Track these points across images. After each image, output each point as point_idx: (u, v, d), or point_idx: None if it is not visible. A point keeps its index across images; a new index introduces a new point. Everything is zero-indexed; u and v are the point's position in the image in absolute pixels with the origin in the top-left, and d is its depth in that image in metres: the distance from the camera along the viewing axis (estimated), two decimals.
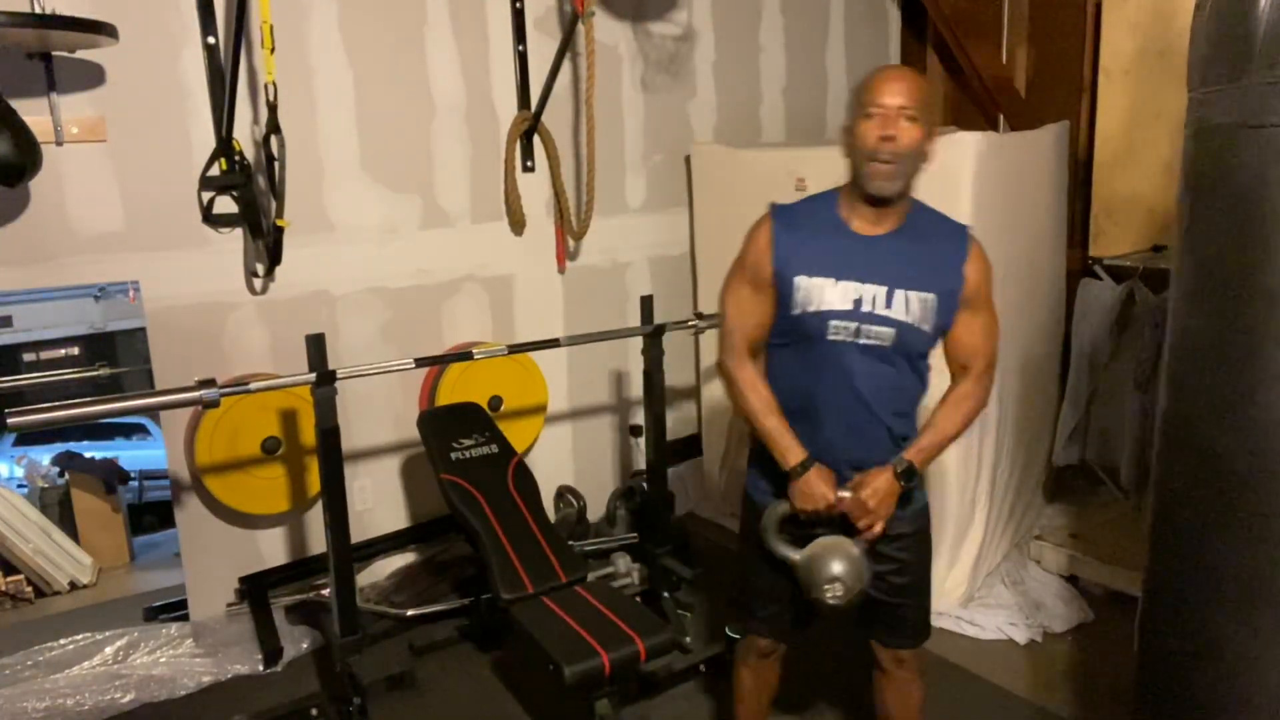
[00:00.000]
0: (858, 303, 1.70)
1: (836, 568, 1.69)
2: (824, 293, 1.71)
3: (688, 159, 3.74)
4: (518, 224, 3.34)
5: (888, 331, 1.70)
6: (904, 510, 1.79)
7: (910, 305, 1.70)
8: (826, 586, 1.69)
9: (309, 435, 2.80)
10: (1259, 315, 1.50)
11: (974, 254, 1.74)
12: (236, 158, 2.70)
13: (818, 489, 1.73)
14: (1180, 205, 1.66)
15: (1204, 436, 1.61)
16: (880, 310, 1.70)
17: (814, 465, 1.75)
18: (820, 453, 1.76)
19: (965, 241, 1.74)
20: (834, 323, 1.71)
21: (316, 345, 2.26)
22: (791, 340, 1.77)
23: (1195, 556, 1.64)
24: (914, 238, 1.73)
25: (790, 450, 1.75)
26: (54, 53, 2.46)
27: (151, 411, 2.81)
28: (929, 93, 1.72)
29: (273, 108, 2.53)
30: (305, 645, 2.81)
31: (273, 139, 2.56)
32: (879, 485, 1.72)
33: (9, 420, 1.92)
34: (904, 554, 1.84)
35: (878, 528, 1.74)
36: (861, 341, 1.71)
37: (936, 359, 1.81)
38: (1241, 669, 1.59)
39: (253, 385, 2.25)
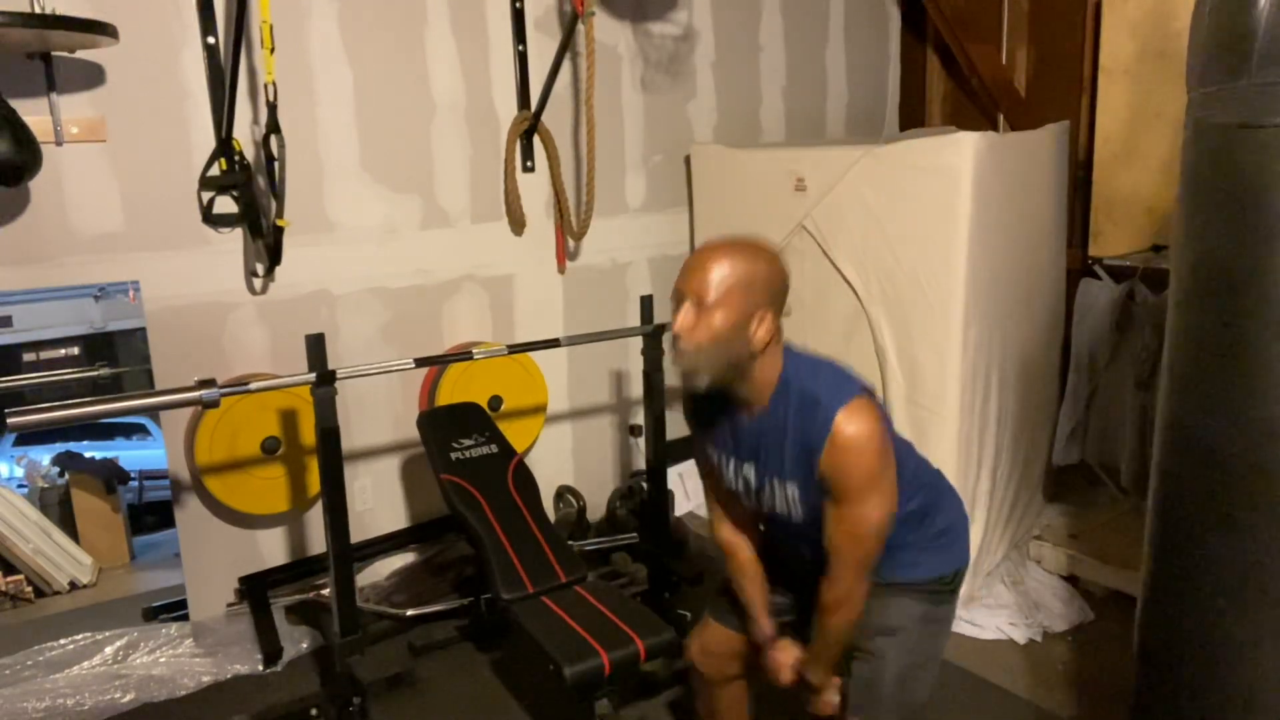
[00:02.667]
0: (745, 482, 1.70)
1: None
2: (723, 468, 1.74)
3: (688, 159, 3.74)
4: (518, 224, 3.34)
5: (780, 509, 1.66)
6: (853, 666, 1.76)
7: (777, 491, 1.64)
8: None
9: (309, 435, 2.80)
10: (1258, 314, 1.50)
11: (834, 446, 1.50)
12: (236, 158, 2.70)
13: (774, 665, 1.80)
14: (1179, 205, 1.66)
15: (1203, 435, 1.61)
16: (759, 493, 1.69)
17: (776, 643, 1.80)
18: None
19: (826, 431, 1.51)
20: (741, 495, 1.73)
21: (316, 345, 2.26)
22: None
23: (1195, 555, 1.64)
24: (775, 424, 1.58)
25: (757, 625, 1.82)
26: (54, 53, 2.46)
27: (151, 411, 2.81)
28: (747, 271, 1.51)
29: (273, 108, 2.54)
30: (305, 645, 2.81)
31: (273, 139, 2.56)
32: (782, 670, 1.79)
33: (9, 420, 1.92)
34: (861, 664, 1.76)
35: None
36: (774, 511, 1.69)
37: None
38: (1242, 668, 1.59)
39: (253, 385, 2.25)
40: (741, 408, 1.64)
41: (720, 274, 1.50)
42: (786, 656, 1.79)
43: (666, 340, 1.61)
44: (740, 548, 1.83)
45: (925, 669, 1.76)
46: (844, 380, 1.58)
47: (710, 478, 1.83)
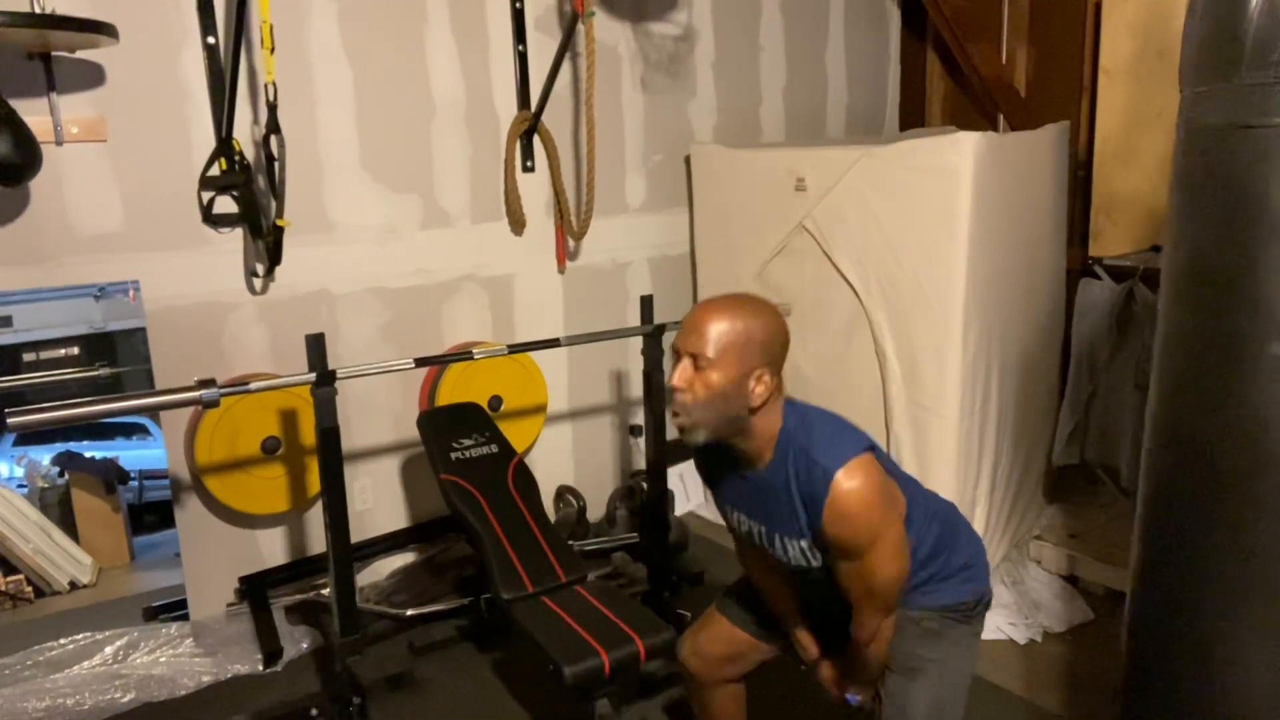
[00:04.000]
0: (758, 535, 1.71)
1: None
2: (736, 522, 1.76)
3: (688, 159, 3.74)
4: (518, 224, 3.34)
5: (796, 562, 1.66)
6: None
7: (789, 546, 1.65)
8: None
9: (309, 435, 2.80)
10: (1247, 313, 1.51)
11: (833, 508, 1.50)
12: (236, 158, 2.70)
13: (800, 644, 1.85)
14: (1171, 204, 1.66)
15: (1192, 433, 1.62)
16: (772, 547, 1.69)
17: (798, 626, 1.85)
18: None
19: (825, 492, 1.50)
20: (758, 546, 1.74)
21: (316, 345, 2.26)
22: None
23: (1183, 552, 1.65)
24: (777, 481, 1.58)
25: (802, 647, 1.86)
26: (54, 53, 2.46)
27: (151, 411, 2.81)
28: (744, 329, 1.52)
29: (273, 108, 2.54)
30: (305, 645, 2.81)
31: (273, 139, 2.56)
32: (829, 675, 1.83)
33: (9, 420, 1.92)
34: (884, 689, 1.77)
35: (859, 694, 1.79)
36: (791, 563, 1.68)
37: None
38: (1230, 664, 1.60)
39: (253, 385, 2.25)
40: (744, 464, 1.65)
41: (718, 331, 1.52)
42: (830, 673, 1.82)
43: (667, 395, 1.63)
44: (769, 576, 1.84)
45: (956, 694, 1.76)
46: (843, 437, 1.57)
47: (728, 525, 1.84)
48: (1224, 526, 1.57)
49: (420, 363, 2.54)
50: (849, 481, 1.49)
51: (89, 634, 2.68)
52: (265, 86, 2.53)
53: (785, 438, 1.58)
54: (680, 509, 3.67)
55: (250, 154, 2.76)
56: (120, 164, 2.62)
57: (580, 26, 3.01)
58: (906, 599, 1.67)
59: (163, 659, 2.69)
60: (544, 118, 3.28)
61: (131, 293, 2.68)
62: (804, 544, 1.62)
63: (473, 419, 2.86)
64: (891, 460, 1.77)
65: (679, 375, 1.54)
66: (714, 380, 1.51)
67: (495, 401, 3.14)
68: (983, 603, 1.78)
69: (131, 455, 2.94)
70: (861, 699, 1.79)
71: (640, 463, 3.46)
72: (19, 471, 2.79)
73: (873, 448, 1.58)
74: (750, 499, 1.68)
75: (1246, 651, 1.58)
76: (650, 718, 2.48)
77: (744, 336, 1.52)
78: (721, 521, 3.64)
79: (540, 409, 3.32)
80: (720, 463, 1.71)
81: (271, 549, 3.04)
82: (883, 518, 1.52)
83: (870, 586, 1.57)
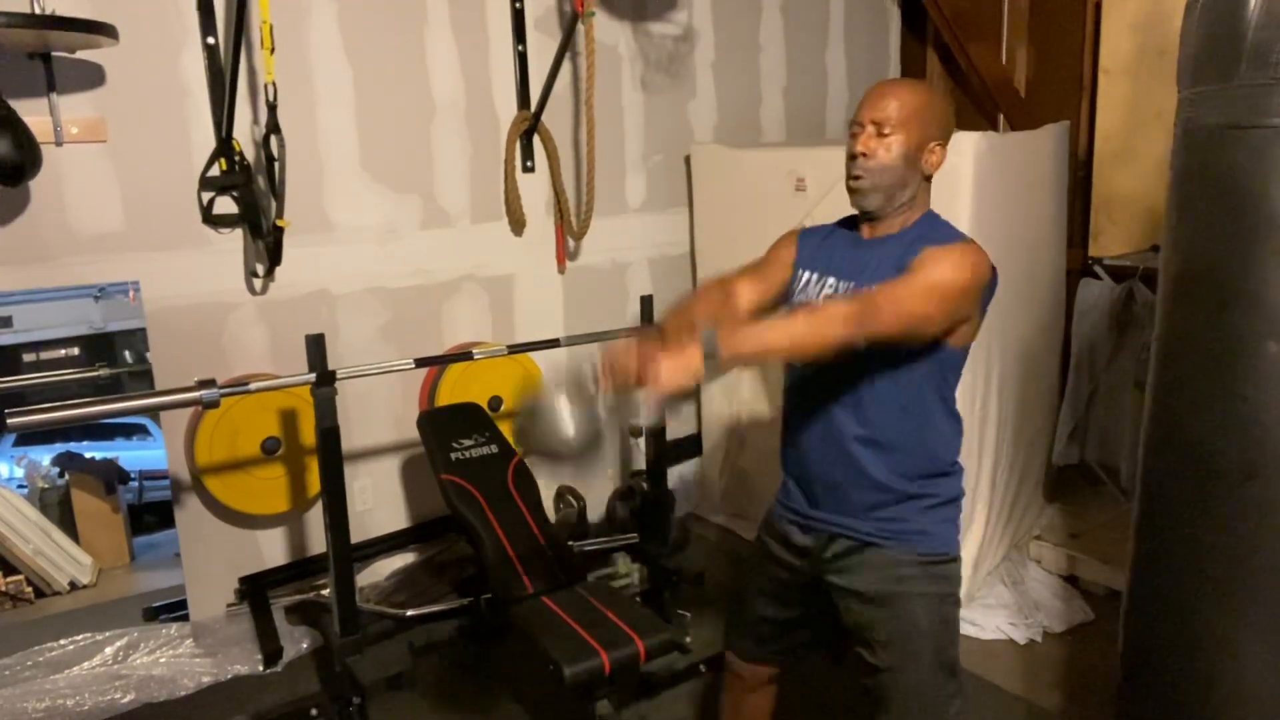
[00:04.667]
0: (812, 292, 1.70)
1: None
2: (808, 286, 1.73)
3: (687, 159, 3.74)
4: (518, 224, 3.34)
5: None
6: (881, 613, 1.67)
7: (852, 290, 1.65)
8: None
9: (309, 435, 2.80)
10: (1245, 313, 1.51)
11: (946, 247, 1.55)
12: (236, 158, 2.70)
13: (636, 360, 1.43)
14: (1169, 204, 1.67)
15: (1189, 433, 1.62)
16: (834, 294, 1.67)
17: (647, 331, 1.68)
18: (797, 475, 1.77)
19: (948, 240, 1.59)
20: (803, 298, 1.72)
21: (316, 345, 2.26)
22: None
23: (1180, 552, 1.66)
24: (906, 242, 1.63)
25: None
26: (54, 53, 2.46)
27: (151, 411, 2.81)
28: (922, 102, 1.63)
29: (273, 108, 2.54)
30: (305, 645, 2.82)
31: (273, 139, 2.56)
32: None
33: (9, 420, 1.92)
34: (878, 660, 1.67)
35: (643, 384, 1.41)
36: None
37: (962, 393, 1.70)
38: (1228, 666, 1.60)
39: (253, 385, 2.25)
40: (875, 232, 1.68)
41: (899, 103, 1.61)
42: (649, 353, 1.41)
43: (847, 160, 1.65)
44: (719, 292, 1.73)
45: (952, 630, 1.69)
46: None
47: (762, 271, 1.77)
48: (1220, 526, 1.58)
49: (420, 363, 2.54)
50: (969, 247, 1.58)
51: (89, 634, 2.68)
52: (265, 86, 2.53)
53: (930, 217, 1.67)
54: (680, 509, 3.67)
55: (250, 154, 2.76)
56: (120, 164, 2.62)
57: (580, 26, 3.01)
58: (899, 525, 1.63)
59: (163, 659, 2.69)
60: (544, 118, 3.28)
61: (131, 293, 2.68)
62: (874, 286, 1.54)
63: (473, 419, 2.86)
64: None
65: (863, 141, 1.61)
66: (896, 145, 1.60)
67: (495, 402, 3.14)
68: (958, 560, 1.71)
69: (131, 455, 2.95)
70: (658, 397, 1.40)
71: (640, 463, 3.46)
72: (19, 472, 2.80)
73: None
74: (854, 262, 1.67)
75: (1242, 650, 1.58)
76: (650, 718, 2.48)
77: (924, 109, 1.62)
78: (722, 522, 3.65)
79: None
80: (831, 241, 1.74)
81: (271, 549, 3.04)
82: (970, 276, 1.54)
83: (912, 287, 1.49)
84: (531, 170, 3.37)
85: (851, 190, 1.66)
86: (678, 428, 3.80)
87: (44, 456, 2.83)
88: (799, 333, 1.48)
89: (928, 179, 1.66)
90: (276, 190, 2.62)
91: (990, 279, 1.60)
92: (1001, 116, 3.99)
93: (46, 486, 2.81)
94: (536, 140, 3.33)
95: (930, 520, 1.67)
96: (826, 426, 1.68)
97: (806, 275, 1.75)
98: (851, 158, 1.64)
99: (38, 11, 2.36)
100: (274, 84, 2.51)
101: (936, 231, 1.64)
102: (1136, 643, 1.83)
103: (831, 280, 1.70)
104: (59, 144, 2.52)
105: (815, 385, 1.69)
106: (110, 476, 2.87)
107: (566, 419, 1.50)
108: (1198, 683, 1.65)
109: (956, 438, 1.71)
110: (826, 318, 1.48)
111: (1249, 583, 1.55)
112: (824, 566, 1.72)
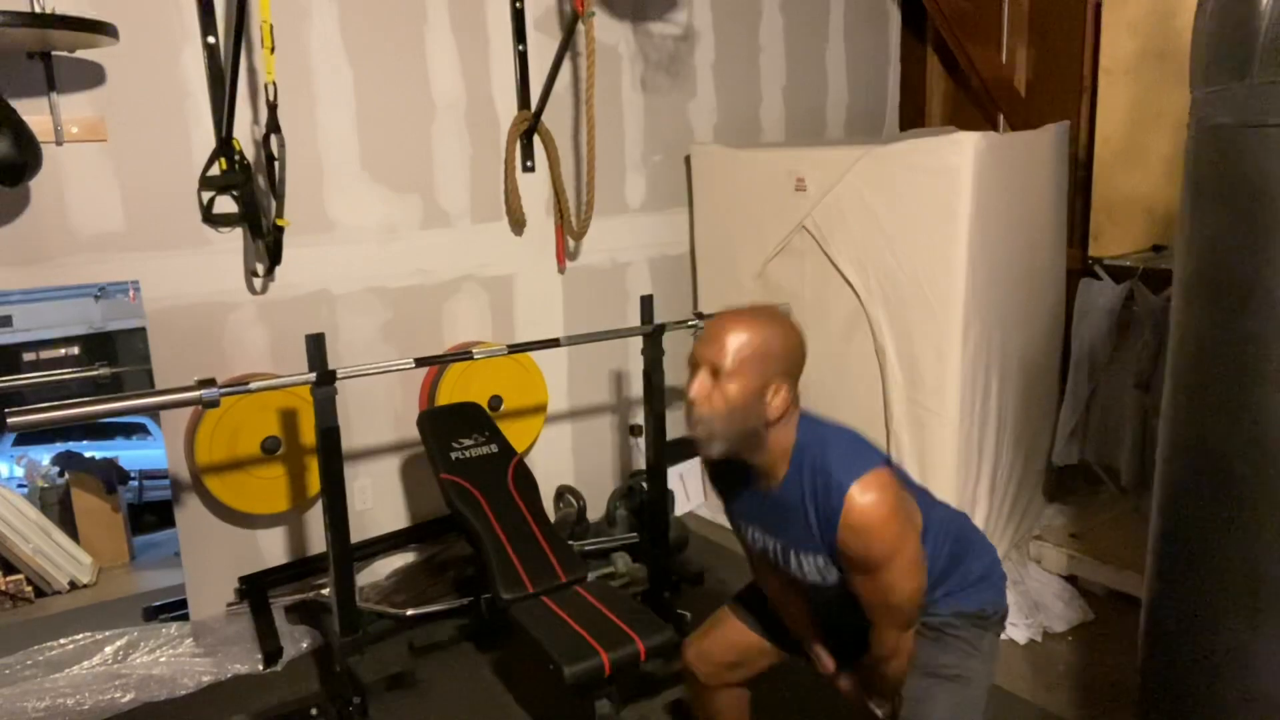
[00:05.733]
0: (772, 551, 1.70)
1: None
2: (749, 537, 1.75)
3: (688, 159, 3.74)
4: (518, 224, 3.34)
5: (812, 578, 1.64)
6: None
7: (804, 562, 1.63)
8: None
9: (309, 435, 2.80)
10: (1262, 316, 1.48)
11: (847, 523, 1.48)
12: (236, 158, 2.70)
13: (818, 659, 1.85)
14: (1182, 205, 1.65)
15: (1207, 438, 1.60)
16: (787, 563, 1.67)
17: (814, 641, 1.84)
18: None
19: (840, 507, 1.49)
20: (772, 562, 1.73)
21: (316, 345, 2.26)
22: None
23: (1201, 560, 1.63)
24: (792, 497, 1.57)
25: (800, 633, 1.86)
26: (54, 52, 2.46)
27: (151, 411, 2.81)
28: (764, 341, 1.50)
29: (273, 108, 2.54)
30: (305, 645, 2.81)
31: (273, 139, 2.56)
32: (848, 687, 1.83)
33: (9, 420, 1.92)
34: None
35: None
36: (806, 579, 1.67)
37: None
38: (1248, 671, 1.57)
39: (253, 385, 2.24)
40: (759, 479, 1.63)
41: (737, 343, 1.50)
42: (849, 685, 1.82)
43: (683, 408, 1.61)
44: (785, 593, 1.82)
45: (975, 705, 1.75)
46: (859, 452, 1.56)
47: (741, 541, 1.83)
48: (1240, 531, 1.55)
49: (420, 363, 2.54)
50: (864, 496, 1.47)
51: (89, 634, 2.68)
52: (265, 86, 2.53)
53: (800, 452, 1.56)
54: (680, 509, 3.67)
55: (250, 154, 2.76)
56: (120, 164, 2.62)
57: (580, 26, 3.01)
58: (925, 608, 1.66)
59: (163, 659, 2.69)
60: (544, 118, 3.28)
61: (131, 293, 2.68)
62: (820, 560, 1.60)
63: (473, 419, 2.86)
64: (907, 474, 1.76)
65: (697, 387, 1.52)
66: (732, 392, 1.49)
67: (495, 401, 3.14)
68: (999, 614, 1.77)
69: (131, 455, 2.94)
70: (883, 712, 1.77)
71: (640, 463, 3.46)
72: (19, 471, 2.79)
73: (889, 463, 1.56)
74: (765, 515, 1.66)
75: (1265, 662, 1.55)
76: (650, 718, 2.48)
77: (762, 349, 1.50)
78: (722, 522, 3.65)
79: (540, 409, 3.32)
80: (735, 478, 1.69)
81: (271, 549, 3.04)
82: (899, 532, 1.50)
83: (888, 602, 1.55)
84: (531, 170, 3.37)
85: (691, 436, 1.57)
86: (678, 428, 3.80)
87: (44, 456, 2.83)
88: (904, 670, 1.68)
89: (771, 423, 1.53)
90: (276, 190, 2.62)
91: (901, 494, 1.55)
92: (1001, 116, 3.99)
93: (46, 486, 2.81)
94: (536, 140, 3.33)
95: (961, 592, 1.73)
96: (839, 629, 1.79)
97: (744, 529, 1.77)
98: (688, 403, 1.54)
99: (38, 10, 2.36)
100: (274, 83, 2.52)
101: (825, 484, 1.51)
102: (1157, 654, 1.79)
103: (770, 541, 1.70)
104: (59, 143, 2.52)
105: (829, 600, 1.72)
106: (110, 476, 2.87)
107: None
108: (1220, 694, 1.62)
109: (953, 557, 1.72)
110: (900, 655, 1.65)
111: (1270, 589, 1.52)
112: None
